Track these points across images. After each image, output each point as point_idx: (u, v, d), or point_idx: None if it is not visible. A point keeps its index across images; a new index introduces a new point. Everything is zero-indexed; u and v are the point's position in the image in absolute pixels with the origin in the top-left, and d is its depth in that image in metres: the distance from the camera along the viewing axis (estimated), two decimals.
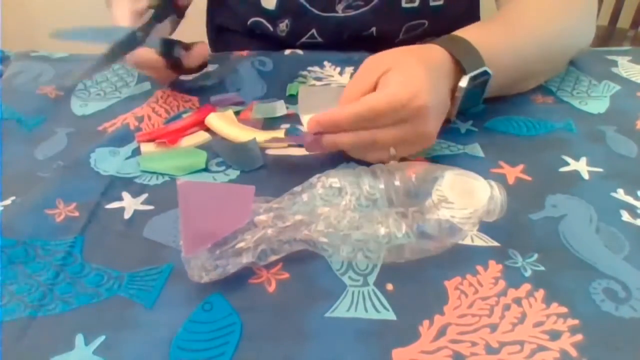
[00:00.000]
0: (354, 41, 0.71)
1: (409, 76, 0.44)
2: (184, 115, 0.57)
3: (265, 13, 0.70)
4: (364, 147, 0.46)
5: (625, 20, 1.64)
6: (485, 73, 0.49)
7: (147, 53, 0.53)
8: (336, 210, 0.38)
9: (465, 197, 0.38)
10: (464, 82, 0.49)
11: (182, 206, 0.38)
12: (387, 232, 0.37)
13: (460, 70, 0.49)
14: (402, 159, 0.47)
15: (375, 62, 0.46)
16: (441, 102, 0.47)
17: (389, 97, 0.43)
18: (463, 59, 0.48)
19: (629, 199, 0.45)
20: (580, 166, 0.49)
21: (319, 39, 0.72)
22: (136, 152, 0.52)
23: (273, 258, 0.38)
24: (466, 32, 0.51)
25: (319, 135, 0.46)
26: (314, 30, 0.71)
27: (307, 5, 0.69)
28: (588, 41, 0.64)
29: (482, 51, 0.49)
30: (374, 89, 0.45)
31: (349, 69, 0.66)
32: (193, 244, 0.36)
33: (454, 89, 0.49)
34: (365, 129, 0.44)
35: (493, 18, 0.58)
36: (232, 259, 0.37)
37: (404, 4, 0.69)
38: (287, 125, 0.55)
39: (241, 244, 0.37)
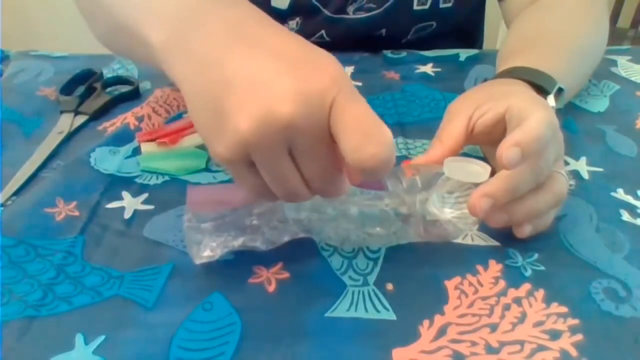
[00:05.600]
0: (362, 42, 0.71)
1: (533, 101, 0.40)
2: (184, 115, 0.57)
3: (274, 13, 0.70)
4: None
5: (625, 20, 1.64)
6: (560, 90, 0.47)
7: None
8: (341, 212, 0.38)
9: (466, 176, 0.37)
10: (552, 101, 0.46)
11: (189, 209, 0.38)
12: (389, 233, 0.37)
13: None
14: (407, 162, 0.47)
15: (506, 116, 0.41)
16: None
17: (540, 123, 0.37)
18: (541, 81, 0.46)
19: (629, 199, 0.45)
20: (580, 166, 0.49)
21: (328, 40, 0.72)
22: (136, 151, 0.52)
23: (276, 243, 0.38)
24: (522, 62, 0.48)
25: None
26: (323, 31, 0.71)
27: (320, 7, 0.68)
28: (606, 41, 0.65)
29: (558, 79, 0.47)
30: (468, 123, 0.42)
31: (349, 69, 0.66)
32: (198, 204, 0.36)
33: None
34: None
35: (533, 40, 0.55)
36: (234, 236, 0.36)
37: (415, 7, 0.69)
38: None
39: (245, 222, 0.36)
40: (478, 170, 0.38)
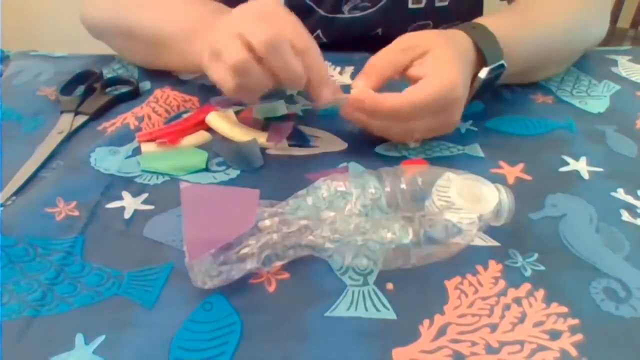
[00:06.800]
0: (359, 42, 0.71)
1: (447, 67, 0.46)
2: (184, 115, 0.57)
3: None
4: (393, 132, 0.49)
5: (625, 20, 1.64)
6: (501, 66, 0.51)
7: None
8: (341, 214, 0.38)
9: (473, 203, 0.38)
10: (483, 74, 0.50)
11: (185, 210, 0.38)
12: (393, 238, 0.37)
13: (479, 59, 0.50)
14: (407, 162, 0.47)
15: (411, 42, 0.49)
16: (467, 91, 0.49)
17: (431, 92, 0.45)
18: (487, 50, 0.50)
19: (629, 199, 0.45)
20: (580, 166, 0.49)
21: (324, 40, 0.72)
22: (136, 151, 0.52)
23: (278, 264, 0.38)
24: (487, 21, 0.53)
25: (285, 126, 0.52)
26: (319, 31, 0.71)
27: (314, 6, 0.68)
28: (602, 33, 0.66)
29: (502, 38, 0.51)
30: (405, 68, 0.48)
31: (349, 69, 0.65)
32: (197, 249, 0.36)
33: (472, 77, 0.51)
34: (401, 120, 0.47)
35: (510, 8, 0.60)
36: (236, 265, 0.36)
37: (410, 5, 0.69)
38: None
39: (245, 250, 0.36)
40: (486, 193, 0.38)
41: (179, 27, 0.55)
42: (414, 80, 0.47)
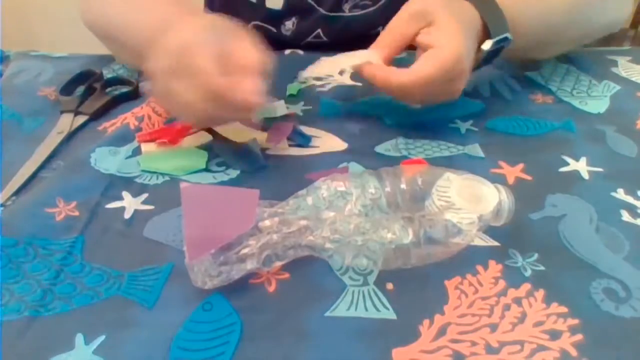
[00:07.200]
0: (360, 40, 0.71)
1: (452, 38, 0.47)
2: None
3: (269, 13, 0.70)
4: (398, 98, 0.52)
5: (625, 21, 1.64)
6: (506, 38, 0.51)
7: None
8: (341, 215, 0.38)
9: (473, 203, 0.38)
10: (487, 46, 0.51)
11: (185, 210, 0.38)
12: (393, 238, 0.37)
13: (484, 31, 0.51)
14: (407, 162, 0.47)
15: (417, 7, 0.50)
16: (471, 62, 0.50)
17: (438, 68, 0.46)
18: (491, 23, 0.51)
19: (629, 199, 0.45)
20: (580, 166, 0.49)
21: (325, 39, 0.72)
22: (136, 151, 0.52)
23: (278, 264, 0.38)
24: None
25: (285, 127, 0.53)
26: (319, 30, 0.71)
27: (315, 5, 0.68)
28: (620, 15, 0.66)
29: (508, 12, 0.51)
30: (413, 37, 0.50)
31: (349, 69, 0.65)
32: (197, 249, 0.36)
33: (477, 48, 0.51)
34: (409, 94, 0.50)
35: None
36: (236, 265, 0.36)
37: None
38: None
39: (245, 250, 0.36)
40: (486, 193, 0.38)
41: (141, 38, 0.52)
42: (422, 48, 0.49)
